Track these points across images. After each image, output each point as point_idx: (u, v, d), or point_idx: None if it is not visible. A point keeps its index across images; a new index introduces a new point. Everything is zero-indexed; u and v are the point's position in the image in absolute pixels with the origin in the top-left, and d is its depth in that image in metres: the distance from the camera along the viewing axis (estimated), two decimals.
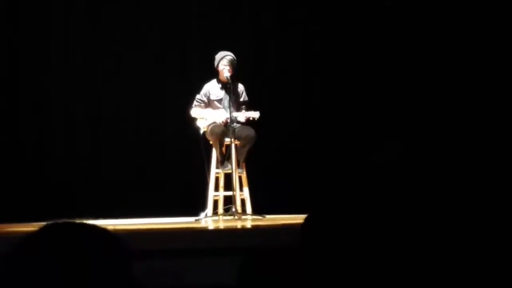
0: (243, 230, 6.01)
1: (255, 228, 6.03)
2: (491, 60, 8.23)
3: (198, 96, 7.29)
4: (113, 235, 1.42)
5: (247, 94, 7.35)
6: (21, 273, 1.32)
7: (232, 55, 7.18)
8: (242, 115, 7.05)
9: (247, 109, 7.15)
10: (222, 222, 6.82)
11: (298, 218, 6.90)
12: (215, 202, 7.12)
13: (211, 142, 7.16)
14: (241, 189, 7.10)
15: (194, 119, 7.29)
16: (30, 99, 8.34)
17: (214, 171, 7.18)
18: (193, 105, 7.29)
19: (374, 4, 8.62)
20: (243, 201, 7.08)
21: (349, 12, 8.69)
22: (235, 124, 7.06)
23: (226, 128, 7.06)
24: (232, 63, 7.14)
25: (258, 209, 7.07)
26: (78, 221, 1.44)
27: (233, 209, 6.84)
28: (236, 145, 7.06)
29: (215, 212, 7.05)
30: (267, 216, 6.94)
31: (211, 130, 7.11)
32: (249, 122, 7.07)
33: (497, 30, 8.24)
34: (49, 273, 1.30)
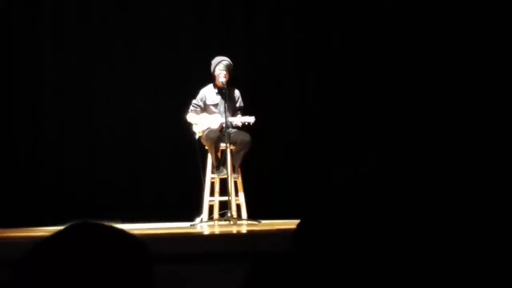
0: (239, 235, 6.01)
1: (250, 233, 6.02)
2: (491, 64, 8.23)
3: (194, 101, 7.30)
4: (140, 240, 1.39)
5: (243, 99, 7.35)
6: (43, 275, 1.28)
7: (229, 60, 7.17)
8: (237, 120, 7.05)
9: (243, 115, 7.15)
10: (218, 227, 6.82)
11: (293, 224, 6.88)
12: (211, 207, 7.12)
13: (206, 147, 7.16)
14: (236, 194, 7.10)
15: (190, 124, 7.28)
16: (24, 106, 8.34)
17: (210, 176, 7.18)
18: (189, 110, 7.29)
19: (374, 4, 8.61)
20: (238, 206, 7.08)
21: (349, 13, 8.68)
22: (230, 129, 7.07)
23: (222, 133, 7.06)
24: (228, 68, 7.14)
25: (253, 214, 7.06)
26: (105, 223, 1.41)
27: (229, 214, 6.84)
28: (231, 150, 7.06)
29: (210, 217, 7.05)
30: (263, 221, 6.94)
31: (207, 135, 7.11)
32: (244, 127, 7.07)
33: (497, 31, 8.24)
34: (74, 275, 1.27)
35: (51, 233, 1.37)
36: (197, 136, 7.23)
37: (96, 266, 1.29)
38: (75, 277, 1.27)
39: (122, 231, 1.39)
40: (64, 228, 1.37)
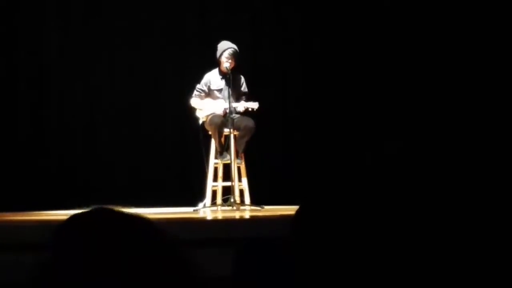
0: (242, 220, 6.02)
1: (253, 219, 6.03)
2: (490, 59, 8.21)
3: (198, 86, 7.28)
4: (159, 226, 1.38)
5: (247, 84, 7.34)
6: (64, 262, 1.26)
7: (235, 47, 7.14)
8: (241, 106, 7.04)
9: (247, 100, 7.14)
10: (221, 212, 6.83)
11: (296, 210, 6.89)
12: (214, 193, 7.12)
13: (210, 133, 7.15)
14: (239, 179, 7.10)
15: (194, 109, 7.27)
16: (28, 94, 8.33)
17: (213, 161, 7.17)
18: (193, 95, 7.27)
19: (374, 3, 8.59)
20: (241, 192, 7.08)
21: (349, 9, 8.65)
22: (234, 114, 7.05)
23: (225, 119, 7.05)
24: (234, 56, 7.11)
25: (256, 200, 7.06)
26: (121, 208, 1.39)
27: (232, 200, 6.84)
28: (235, 135, 7.05)
29: (213, 203, 7.05)
30: (266, 207, 6.94)
31: (210, 120, 7.10)
32: (248, 112, 7.06)
33: (497, 30, 8.23)
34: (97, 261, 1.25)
35: (73, 217, 1.35)
36: (200, 121, 7.22)
37: (121, 253, 1.28)
38: (101, 263, 1.25)
39: (144, 219, 1.38)
40: (85, 213, 1.35)
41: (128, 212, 1.38)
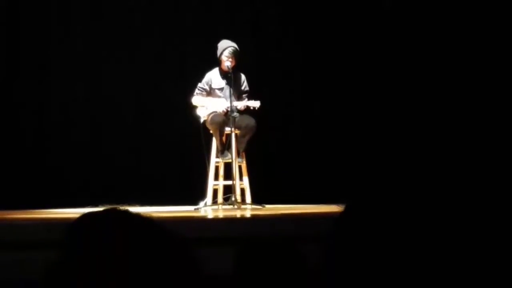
0: (243, 219, 6.03)
1: (254, 218, 6.04)
2: (491, 61, 8.22)
3: (200, 85, 7.29)
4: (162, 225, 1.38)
5: (248, 84, 7.35)
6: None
7: (235, 45, 7.15)
8: (243, 104, 7.05)
9: (248, 99, 7.15)
10: (222, 211, 6.84)
11: (297, 208, 6.92)
12: (215, 191, 7.13)
13: (211, 131, 7.16)
14: (240, 178, 7.11)
15: (195, 108, 7.28)
16: (30, 93, 8.34)
17: (214, 160, 7.18)
18: (195, 93, 7.28)
19: (374, 5, 8.60)
20: (242, 191, 7.09)
21: (350, 9, 8.65)
22: (235, 113, 7.06)
23: (227, 117, 7.06)
24: (234, 54, 7.12)
25: (257, 199, 7.07)
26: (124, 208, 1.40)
27: (233, 199, 6.85)
28: (236, 134, 7.06)
29: (214, 201, 7.06)
30: (267, 206, 6.95)
31: (212, 119, 7.11)
32: (249, 111, 7.07)
33: (497, 30, 8.23)
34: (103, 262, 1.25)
35: (86, 216, 1.35)
36: (201, 120, 7.23)
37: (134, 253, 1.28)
38: (113, 262, 1.26)
39: (155, 220, 1.39)
40: (97, 212, 1.36)
41: (140, 213, 1.40)
